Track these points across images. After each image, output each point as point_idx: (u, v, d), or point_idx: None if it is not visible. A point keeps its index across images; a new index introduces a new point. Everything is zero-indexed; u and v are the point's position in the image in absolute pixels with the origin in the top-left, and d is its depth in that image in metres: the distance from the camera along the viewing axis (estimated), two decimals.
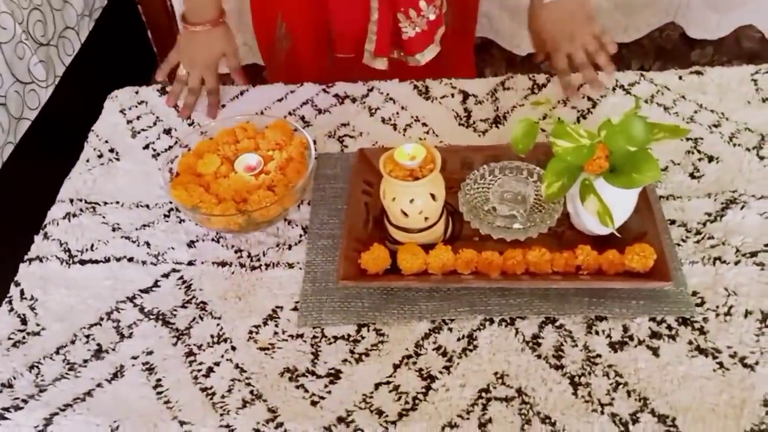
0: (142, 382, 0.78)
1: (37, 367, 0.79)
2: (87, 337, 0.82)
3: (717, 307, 0.79)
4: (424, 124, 1.06)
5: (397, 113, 1.08)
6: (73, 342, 0.82)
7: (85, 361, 0.80)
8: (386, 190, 0.83)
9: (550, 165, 0.80)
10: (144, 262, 0.90)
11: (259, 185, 0.89)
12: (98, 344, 0.81)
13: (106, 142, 1.07)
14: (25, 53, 1.33)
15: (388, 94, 1.11)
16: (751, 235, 0.85)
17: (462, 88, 1.12)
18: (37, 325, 0.84)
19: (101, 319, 0.84)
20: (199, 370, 0.78)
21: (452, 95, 1.11)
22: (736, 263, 0.83)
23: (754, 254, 0.83)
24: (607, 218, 0.77)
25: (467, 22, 1.32)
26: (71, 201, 0.98)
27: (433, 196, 0.83)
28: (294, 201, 0.90)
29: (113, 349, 0.81)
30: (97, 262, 0.90)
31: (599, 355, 0.76)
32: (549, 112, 1.03)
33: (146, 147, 1.07)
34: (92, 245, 0.92)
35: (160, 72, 1.14)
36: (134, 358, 0.80)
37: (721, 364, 0.74)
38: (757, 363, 0.74)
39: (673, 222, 0.88)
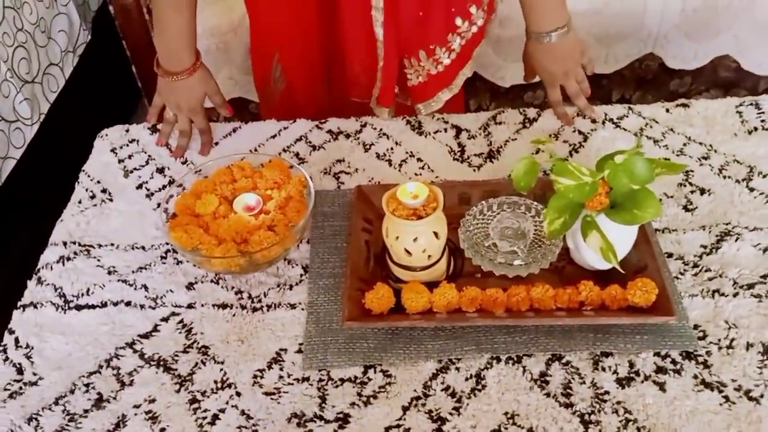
0: (146, 431, 0.76)
1: (36, 419, 0.77)
2: (86, 386, 0.80)
3: (719, 340, 0.80)
4: (419, 160, 1.07)
5: (392, 149, 1.09)
6: (72, 391, 0.80)
7: (86, 411, 0.78)
8: (389, 229, 0.83)
9: (552, 202, 0.81)
10: (142, 306, 0.88)
11: (259, 225, 0.89)
12: (98, 393, 0.79)
13: (98, 182, 1.06)
14: (10, 91, 1.31)
15: (381, 130, 1.12)
16: (747, 267, 0.87)
17: (454, 123, 1.13)
18: (34, 374, 0.82)
19: (100, 366, 0.82)
20: (204, 418, 0.77)
21: (445, 130, 1.12)
22: (735, 295, 0.84)
23: (751, 286, 0.85)
24: (611, 254, 0.77)
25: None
26: (65, 244, 0.96)
27: (436, 234, 0.83)
28: (295, 240, 0.90)
29: (114, 398, 0.79)
30: (93, 307, 0.88)
31: (607, 392, 0.76)
32: (543, 147, 1.04)
33: (139, 186, 1.05)
34: (88, 289, 0.90)
35: (150, 116, 1.15)
36: (136, 406, 0.78)
37: (726, 398, 0.75)
38: (762, 396, 0.75)
39: (670, 255, 0.89)
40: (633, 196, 0.77)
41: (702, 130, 1.07)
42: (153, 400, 0.79)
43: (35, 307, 0.89)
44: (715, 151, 1.04)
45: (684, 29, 1.61)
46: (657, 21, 1.59)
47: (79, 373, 0.81)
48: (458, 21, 1.14)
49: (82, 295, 0.90)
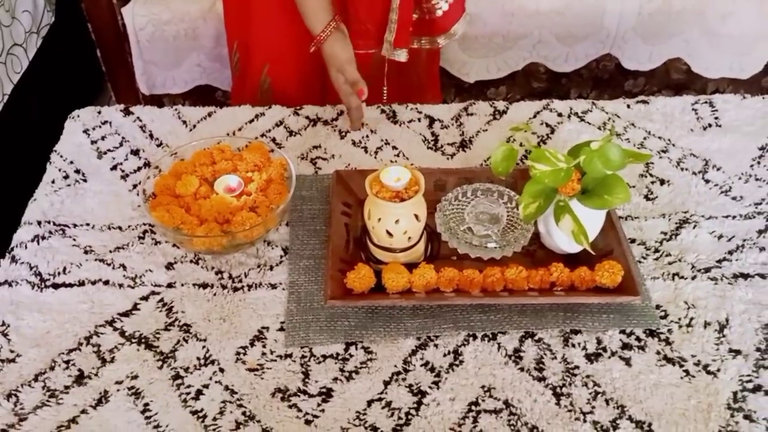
0: (129, 406, 0.76)
1: (15, 395, 0.77)
2: (66, 362, 0.80)
3: (679, 319, 0.85)
4: (394, 147, 1.09)
5: (367, 136, 1.11)
6: (52, 368, 0.79)
7: (67, 387, 0.78)
8: (372, 211, 0.86)
9: (527, 187, 0.85)
10: (121, 285, 0.88)
11: (241, 206, 0.90)
12: (79, 370, 0.79)
13: (71, 162, 1.05)
14: None
15: None
16: (704, 252, 0.93)
17: (428, 113, 1.16)
18: (11, 351, 0.81)
19: (80, 343, 0.82)
20: (188, 393, 0.78)
21: (419, 119, 1.15)
22: (693, 278, 0.90)
23: (707, 270, 0.91)
24: (582, 237, 0.82)
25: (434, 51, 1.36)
26: (39, 223, 0.95)
27: (416, 217, 0.86)
28: (276, 222, 0.91)
29: (96, 374, 0.79)
30: (71, 285, 0.88)
31: (577, 367, 0.80)
32: (515, 136, 1.09)
33: (114, 168, 1.05)
34: (65, 268, 0.90)
35: (354, 124, 1.12)
36: (119, 383, 0.78)
37: (687, 372, 0.80)
38: (718, 370, 0.80)
39: (633, 241, 0.95)
40: (604, 183, 0.82)
41: (661, 126, 1.13)
42: (135, 377, 0.79)
43: (10, 285, 0.88)
44: (673, 145, 1.10)
45: (640, 32, 1.68)
46: (615, 23, 1.66)
47: (58, 351, 0.81)
48: None
49: (59, 273, 0.89)
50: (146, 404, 0.76)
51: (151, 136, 1.11)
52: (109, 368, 0.80)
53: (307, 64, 1.20)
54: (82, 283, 0.88)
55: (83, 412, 0.76)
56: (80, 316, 0.85)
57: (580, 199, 0.83)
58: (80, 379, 0.79)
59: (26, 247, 0.92)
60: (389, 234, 0.86)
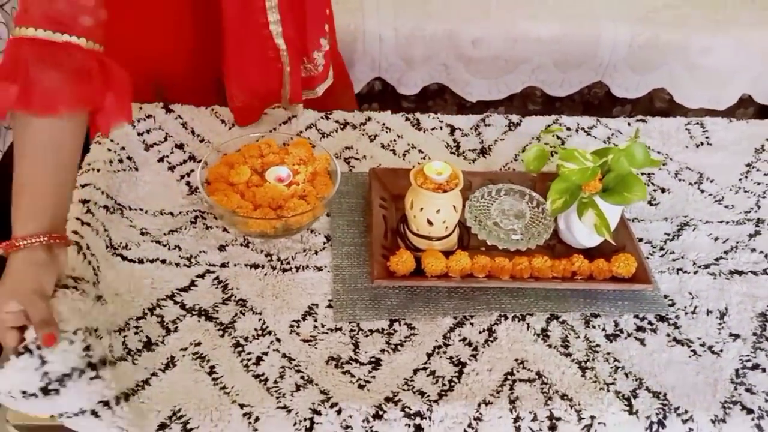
0: (196, 369, 0.83)
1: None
2: (136, 328, 0.86)
3: (685, 307, 0.96)
4: (420, 151, 1.19)
5: (394, 140, 1.20)
6: (125, 330, 0.85)
7: (138, 350, 0.84)
8: (414, 201, 0.94)
9: (554, 185, 0.95)
10: (177, 264, 0.95)
11: (291, 194, 0.98)
12: (147, 336, 0.85)
13: (123, 148, 1.10)
14: None
15: (384, 124, 1.23)
16: (703, 251, 1.04)
17: (448, 122, 1.26)
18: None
19: (145, 314, 0.88)
20: (249, 359, 0.84)
21: (441, 128, 1.24)
22: (695, 273, 1.00)
23: (707, 266, 1.01)
24: (604, 229, 0.92)
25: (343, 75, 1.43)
26: (106, 195, 1.00)
27: (454, 208, 0.95)
28: (323, 211, 0.99)
29: (162, 342, 0.85)
30: (132, 261, 0.94)
31: (598, 345, 0.90)
32: (529, 143, 1.19)
33: (161, 160, 1.12)
34: (126, 244, 0.96)
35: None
36: (183, 349, 0.85)
37: (694, 352, 0.90)
38: (721, 350, 0.90)
39: (641, 240, 1.05)
40: (624, 181, 0.92)
41: (659, 142, 1.25)
42: (199, 344, 0.85)
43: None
44: (671, 159, 1.22)
45: (630, 62, 1.83)
46: (608, 52, 1.80)
47: (128, 316, 0.87)
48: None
49: (122, 247, 0.95)
50: (212, 367, 0.83)
51: (192, 132, 1.18)
52: (173, 336, 0.86)
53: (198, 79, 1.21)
54: (141, 261, 0.94)
55: (154, 374, 0.82)
56: (143, 290, 0.91)
57: (601, 196, 0.94)
58: (149, 345, 0.85)
59: (94, 214, 0.96)
60: (429, 223, 0.94)
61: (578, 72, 1.83)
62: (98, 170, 1.01)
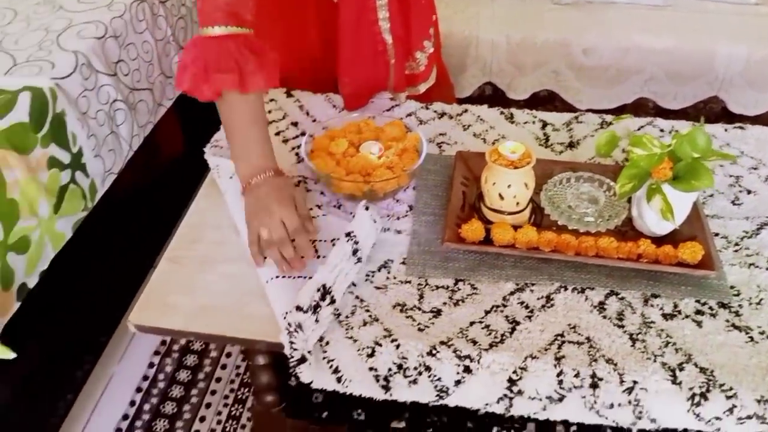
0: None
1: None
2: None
3: (750, 298, 0.97)
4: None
5: (487, 131, 1.30)
6: None
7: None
8: (488, 176, 1.03)
9: (624, 170, 1.00)
10: None
11: (380, 165, 1.10)
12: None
13: None
14: (170, 52, 1.58)
15: (479, 116, 1.33)
16: None
17: (541, 118, 1.33)
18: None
19: None
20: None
21: (533, 122, 1.32)
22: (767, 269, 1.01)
23: None
24: (669, 214, 0.96)
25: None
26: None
27: (526, 185, 1.03)
28: (407, 181, 1.11)
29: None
30: None
31: (653, 322, 0.94)
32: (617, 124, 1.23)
33: (277, 134, 1.28)
34: None
35: (258, 260, 1.00)
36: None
37: (752, 338, 0.91)
38: None
39: (716, 234, 1.07)
40: (692, 169, 0.96)
41: (754, 148, 1.25)
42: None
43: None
44: (764, 164, 1.21)
45: (747, 77, 1.79)
46: (723, 66, 1.78)
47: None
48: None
49: None
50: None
51: (307, 113, 1.34)
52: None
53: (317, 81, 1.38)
54: None
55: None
56: None
57: (671, 183, 0.98)
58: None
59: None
60: (501, 197, 1.03)
61: (692, 86, 1.82)
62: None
